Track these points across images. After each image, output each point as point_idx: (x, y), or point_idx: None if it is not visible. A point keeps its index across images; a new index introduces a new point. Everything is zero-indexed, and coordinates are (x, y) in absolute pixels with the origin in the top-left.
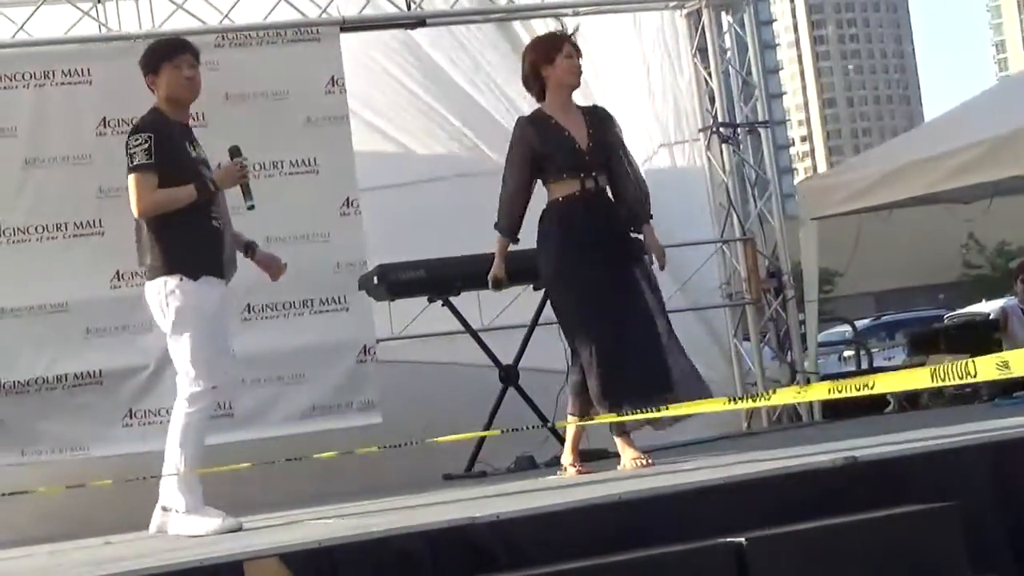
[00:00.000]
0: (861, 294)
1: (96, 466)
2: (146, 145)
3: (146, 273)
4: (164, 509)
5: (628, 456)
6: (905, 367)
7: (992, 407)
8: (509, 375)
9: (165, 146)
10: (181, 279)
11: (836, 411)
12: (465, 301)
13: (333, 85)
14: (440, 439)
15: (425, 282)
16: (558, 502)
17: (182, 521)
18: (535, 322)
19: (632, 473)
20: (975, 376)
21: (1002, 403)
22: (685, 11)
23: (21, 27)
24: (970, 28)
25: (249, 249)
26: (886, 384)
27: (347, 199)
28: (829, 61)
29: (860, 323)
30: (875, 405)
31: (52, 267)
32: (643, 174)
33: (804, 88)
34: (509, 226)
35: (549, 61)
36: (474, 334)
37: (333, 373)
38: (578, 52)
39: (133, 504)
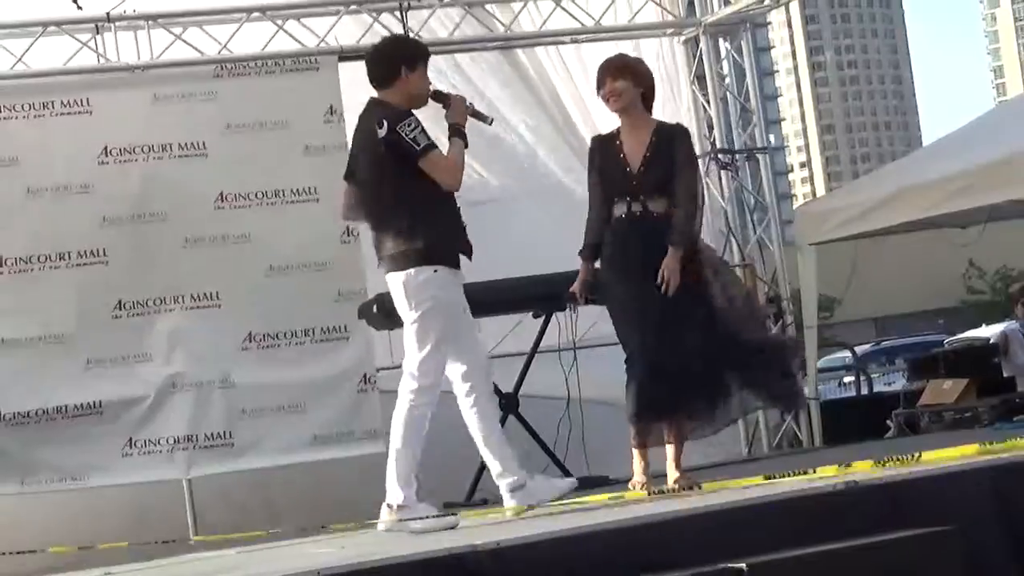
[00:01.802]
0: (861, 320)
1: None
2: (420, 127)
3: (397, 262)
4: (388, 506)
5: (673, 476)
6: (906, 392)
7: (993, 431)
8: (510, 403)
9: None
10: (437, 270)
11: (836, 436)
12: None
13: (332, 114)
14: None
15: None
16: (559, 529)
17: (401, 516)
18: (535, 349)
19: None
20: None
21: (1003, 427)
22: (683, 38)
23: (20, 59)
24: (968, 53)
25: None
26: (932, 457)
27: (347, 228)
28: (827, 87)
29: (860, 348)
30: (875, 430)
31: (54, 297)
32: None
33: (803, 114)
34: (587, 246)
35: (598, 91)
36: None
37: (334, 402)
38: (613, 78)
39: (137, 533)
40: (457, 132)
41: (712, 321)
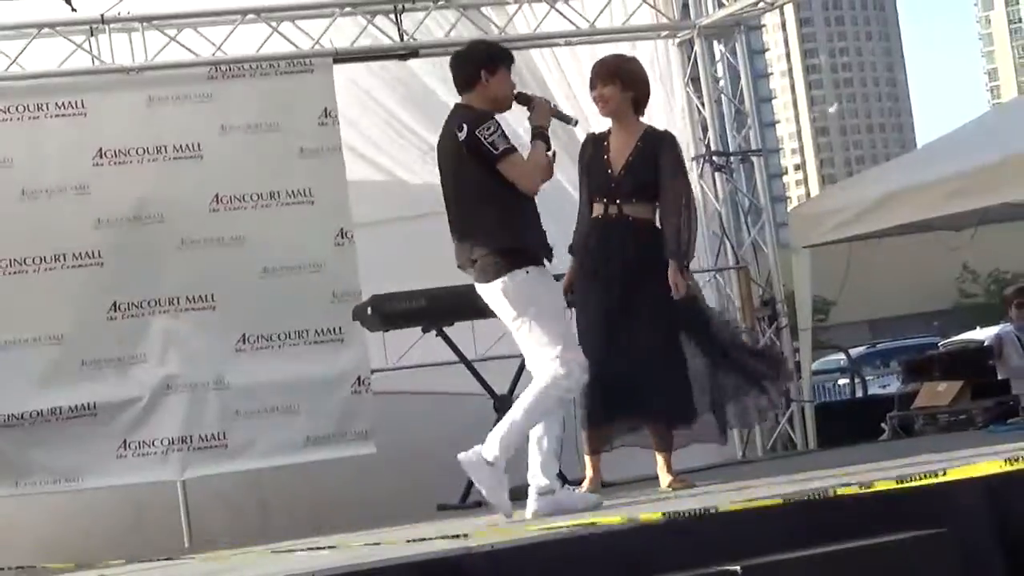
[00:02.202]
0: (855, 322)
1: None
2: (500, 130)
3: (488, 271)
4: (535, 491)
5: (665, 480)
6: (900, 395)
7: (987, 434)
8: (504, 405)
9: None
10: (529, 270)
11: (831, 439)
12: (459, 331)
13: (326, 116)
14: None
15: (419, 312)
16: (553, 532)
17: (549, 502)
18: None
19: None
20: None
21: (996, 430)
22: (677, 40)
23: (14, 60)
24: (962, 56)
25: None
26: (957, 473)
27: (341, 230)
28: (822, 89)
29: (855, 351)
30: (870, 433)
31: (49, 298)
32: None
33: (797, 116)
34: (573, 243)
35: (591, 92)
36: (468, 364)
37: (327, 404)
38: (603, 83)
39: (131, 535)
40: (540, 135)
41: (679, 330)
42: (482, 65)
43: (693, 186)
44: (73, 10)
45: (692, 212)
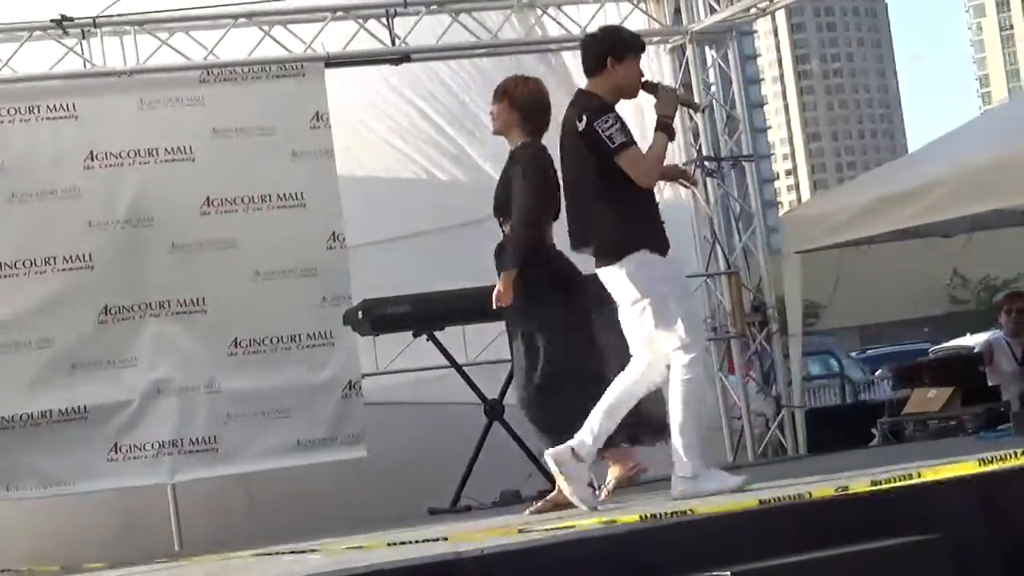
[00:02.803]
0: (846, 328)
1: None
2: (619, 124)
3: (608, 255)
4: (680, 478)
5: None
6: (891, 401)
7: (977, 440)
8: (494, 410)
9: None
10: (644, 252)
11: (822, 444)
12: (450, 336)
13: (318, 120)
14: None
15: (409, 317)
16: (543, 536)
17: (695, 485)
18: None
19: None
20: None
21: (987, 436)
22: (669, 46)
23: (6, 63)
24: (954, 62)
25: None
26: (931, 474)
27: (333, 233)
28: (813, 95)
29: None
30: (861, 438)
31: (39, 302)
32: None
33: (788, 122)
34: None
35: None
36: (459, 369)
37: (318, 408)
38: (494, 100)
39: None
40: (664, 126)
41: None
42: (609, 52)
43: (685, 190)
44: (64, 32)
45: (524, 227)
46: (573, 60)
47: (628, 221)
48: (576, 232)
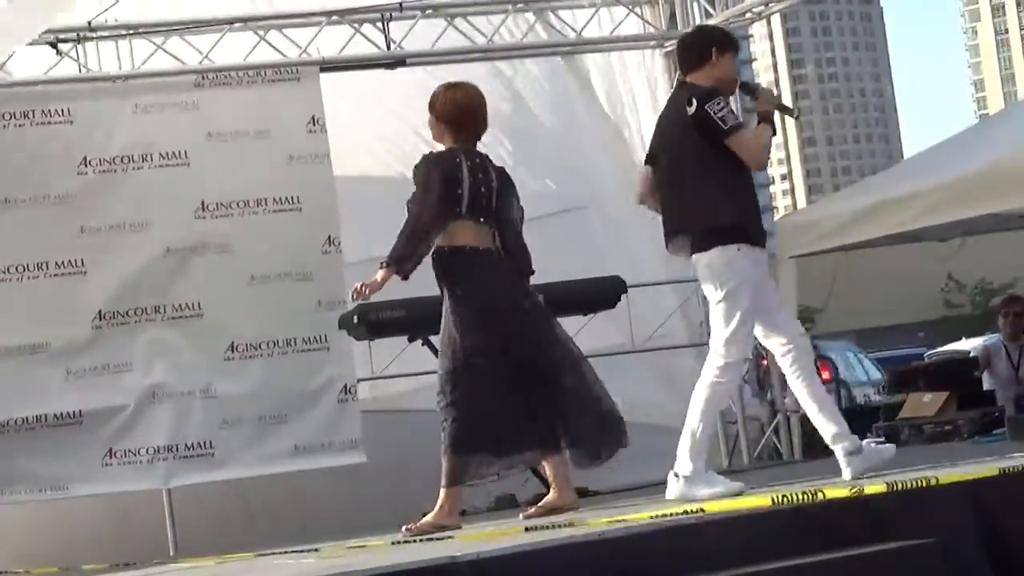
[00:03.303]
0: (842, 332)
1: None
2: (728, 106)
3: (701, 242)
4: (676, 475)
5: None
6: (886, 405)
7: (972, 444)
8: None
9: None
10: (741, 248)
11: (817, 448)
12: None
13: (314, 124)
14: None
15: (405, 321)
16: (539, 540)
17: (689, 486)
18: None
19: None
20: None
21: (981, 441)
22: (665, 50)
23: (1, 67)
24: (949, 67)
25: None
26: (950, 476)
27: (329, 237)
28: (809, 100)
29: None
30: None
31: (33, 307)
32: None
33: (784, 127)
34: None
35: None
36: None
37: (315, 412)
38: (429, 111)
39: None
40: (766, 118)
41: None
42: (714, 43)
43: None
44: (58, 53)
45: (413, 233)
46: (567, 64)
47: (727, 212)
48: (672, 220)
